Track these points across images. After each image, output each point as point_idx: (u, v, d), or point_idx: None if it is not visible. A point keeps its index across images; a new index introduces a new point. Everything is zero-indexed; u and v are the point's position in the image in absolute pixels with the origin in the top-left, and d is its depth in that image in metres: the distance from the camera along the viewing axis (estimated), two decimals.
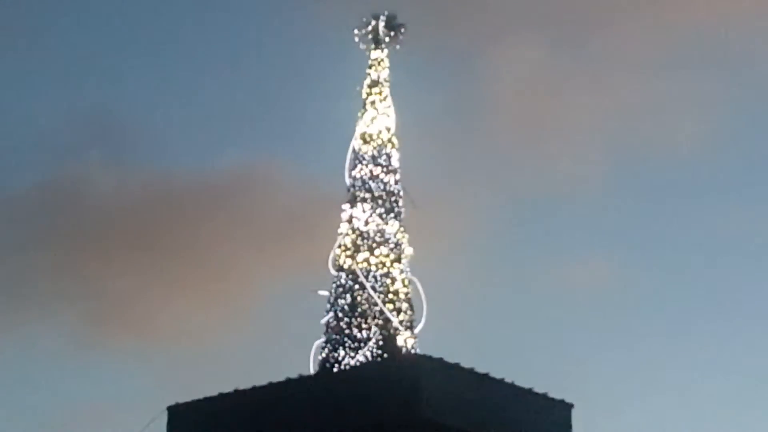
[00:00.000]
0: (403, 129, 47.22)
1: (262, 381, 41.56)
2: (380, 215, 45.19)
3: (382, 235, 44.84)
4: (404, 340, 43.37)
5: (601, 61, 72.46)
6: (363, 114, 47.11)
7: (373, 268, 44.21)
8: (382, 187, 45.74)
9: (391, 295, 43.85)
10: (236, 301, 69.75)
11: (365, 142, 46.50)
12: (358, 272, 44.15)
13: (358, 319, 43.42)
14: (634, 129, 71.36)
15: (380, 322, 43.35)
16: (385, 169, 46.09)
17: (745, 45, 71.30)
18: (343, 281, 44.37)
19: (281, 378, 41.32)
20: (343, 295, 44.04)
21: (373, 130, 46.68)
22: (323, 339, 43.96)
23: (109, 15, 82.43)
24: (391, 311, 43.48)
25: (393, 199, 45.73)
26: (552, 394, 42.27)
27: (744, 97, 70.89)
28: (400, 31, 48.41)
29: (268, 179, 74.00)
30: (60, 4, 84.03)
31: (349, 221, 45.31)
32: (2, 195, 76.68)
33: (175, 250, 70.38)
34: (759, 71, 71.26)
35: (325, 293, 44.60)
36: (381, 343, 42.94)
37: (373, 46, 48.31)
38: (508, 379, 41.01)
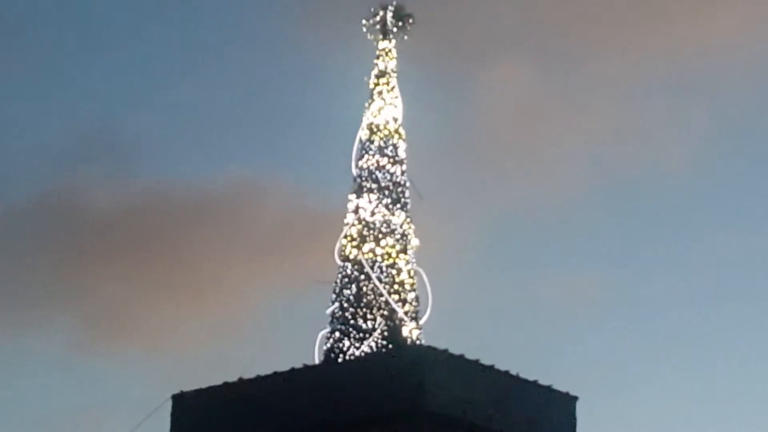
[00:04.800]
0: (409, 119, 47.37)
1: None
2: (386, 206, 45.14)
3: (388, 226, 44.80)
4: (409, 331, 43.35)
5: (588, 85, 75.50)
6: (370, 104, 47.08)
7: (379, 258, 44.16)
8: (388, 177, 45.69)
9: (396, 286, 43.81)
10: (231, 306, 70.87)
11: (372, 132, 46.45)
12: (364, 263, 44.12)
13: (364, 310, 43.41)
14: (619, 150, 75.42)
15: (385, 312, 43.32)
16: (391, 160, 46.04)
17: (724, 72, 75.20)
18: (348, 272, 44.34)
19: (286, 368, 41.36)
20: (349, 286, 44.03)
21: (380, 120, 46.64)
22: (328, 329, 43.95)
23: (109, 29, 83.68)
24: (396, 302, 43.45)
25: (399, 189, 45.68)
26: (557, 387, 42.30)
27: (723, 121, 74.79)
28: (408, 21, 48.41)
29: (263, 190, 75.27)
30: (61, 17, 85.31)
31: (356, 212, 45.28)
32: (2, 204, 77.74)
33: (171, 258, 71.57)
34: (737, 97, 75.25)
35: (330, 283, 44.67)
36: (386, 333, 42.93)
37: (380, 36, 48.32)
38: (512, 371, 41.02)
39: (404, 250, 44.68)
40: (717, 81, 74.88)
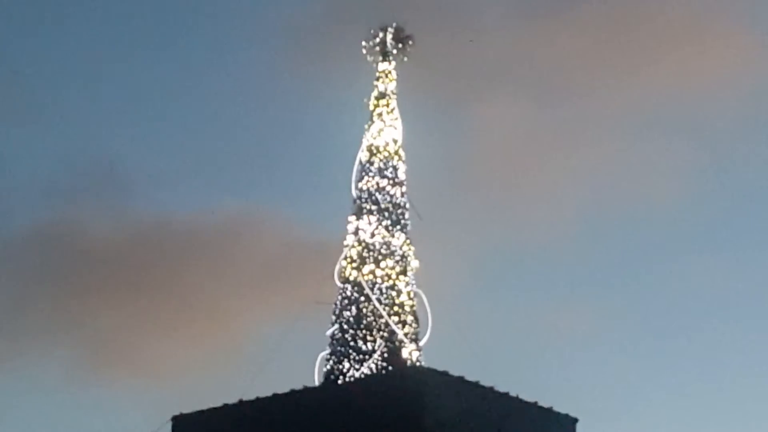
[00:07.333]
0: (408, 141, 47.50)
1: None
2: (386, 227, 45.19)
3: (388, 248, 44.83)
4: (409, 352, 43.34)
5: (582, 119, 77.81)
6: (370, 126, 47.16)
7: (379, 280, 44.19)
8: (388, 199, 45.75)
9: (396, 308, 43.83)
10: (230, 332, 71.45)
11: (372, 154, 46.53)
12: (364, 284, 44.15)
13: (364, 332, 43.41)
14: (612, 181, 76.68)
15: (385, 334, 43.33)
16: (391, 182, 46.11)
17: (713, 109, 76.75)
18: (348, 293, 44.36)
19: (286, 390, 41.35)
20: (349, 307, 44.04)
21: (380, 142, 46.72)
22: (328, 351, 43.94)
23: (107, 63, 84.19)
24: (396, 324, 43.46)
25: (399, 211, 45.72)
26: (557, 408, 42.33)
27: (710, 157, 76.69)
28: (408, 43, 48.54)
29: (259, 222, 75.95)
30: (58, 51, 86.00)
31: (355, 233, 45.31)
32: (1, 235, 78.29)
33: (170, 288, 72.08)
34: (724, 133, 77.00)
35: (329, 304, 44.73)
36: (386, 355, 42.92)
37: (380, 58, 48.44)
38: (512, 393, 41.02)
39: (404, 272, 44.70)
40: (706, 117, 77.40)
